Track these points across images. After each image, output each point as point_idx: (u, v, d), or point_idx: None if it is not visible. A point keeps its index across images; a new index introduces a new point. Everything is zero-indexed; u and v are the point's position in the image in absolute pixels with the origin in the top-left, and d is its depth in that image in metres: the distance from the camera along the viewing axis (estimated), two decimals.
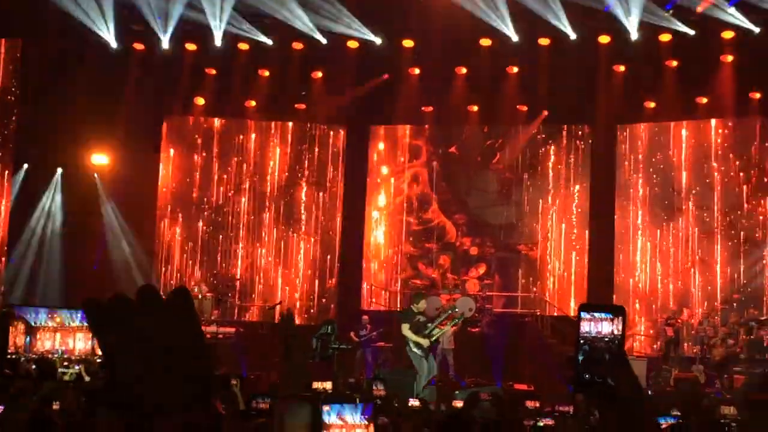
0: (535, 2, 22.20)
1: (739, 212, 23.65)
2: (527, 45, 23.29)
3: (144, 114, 24.67)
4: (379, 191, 26.45)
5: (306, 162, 26.53)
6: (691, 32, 22.20)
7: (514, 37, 23.09)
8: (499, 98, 24.69)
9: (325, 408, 5.24)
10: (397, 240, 26.17)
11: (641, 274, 24.50)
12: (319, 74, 25.17)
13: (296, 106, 25.92)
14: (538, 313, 24.15)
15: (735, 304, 23.06)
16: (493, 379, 20.60)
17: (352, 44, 24.00)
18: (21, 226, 24.24)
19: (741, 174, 23.75)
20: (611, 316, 2.21)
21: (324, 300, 26.13)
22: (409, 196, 26.24)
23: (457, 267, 25.71)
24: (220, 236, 26.24)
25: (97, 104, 23.34)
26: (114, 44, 23.57)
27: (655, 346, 23.47)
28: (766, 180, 23.54)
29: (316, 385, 14.16)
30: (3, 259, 23.31)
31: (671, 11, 22.17)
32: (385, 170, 26.50)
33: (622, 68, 23.77)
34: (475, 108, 25.45)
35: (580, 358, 2.20)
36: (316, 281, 26.28)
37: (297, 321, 21.81)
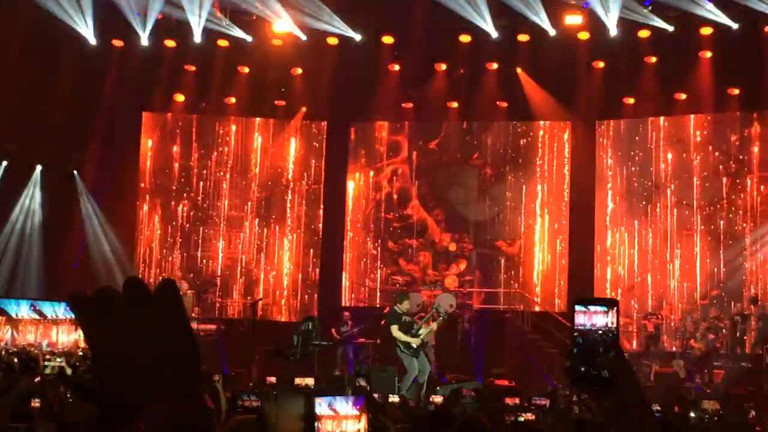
0: None
1: (718, 206, 23.74)
2: (507, 41, 23.36)
3: (123, 111, 24.61)
4: (360, 187, 26.43)
5: (286, 158, 26.50)
6: (670, 28, 22.31)
7: (494, 34, 23.15)
8: (479, 94, 24.76)
9: (317, 400, 5.32)
10: (378, 236, 26.16)
11: (621, 269, 24.56)
12: (299, 71, 25.16)
13: (276, 102, 25.88)
14: (521, 309, 24.20)
15: (715, 300, 23.15)
16: (474, 375, 20.65)
17: (332, 41, 24.00)
18: (1, 223, 24.18)
19: (720, 167, 23.85)
20: (605, 309, 2.23)
21: (306, 296, 26.11)
22: (389, 192, 26.22)
23: (437, 263, 25.73)
24: (201, 232, 26.19)
25: (76, 101, 23.26)
26: (93, 41, 23.49)
27: (634, 342, 23.57)
28: (745, 174, 23.65)
29: (298, 381, 14.17)
30: None
31: (650, 7, 22.27)
32: (365, 166, 26.47)
33: (601, 64, 23.85)
34: (455, 104, 25.48)
35: (575, 351, 2.22)
36: (299, 276, 26.25)
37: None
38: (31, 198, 24.84)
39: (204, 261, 26.16)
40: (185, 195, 26.23)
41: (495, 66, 24.42)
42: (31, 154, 24.46)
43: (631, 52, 23.06)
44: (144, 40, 23.63)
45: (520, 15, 22.53)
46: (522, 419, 10.57)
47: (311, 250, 26.35)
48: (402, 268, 25.85)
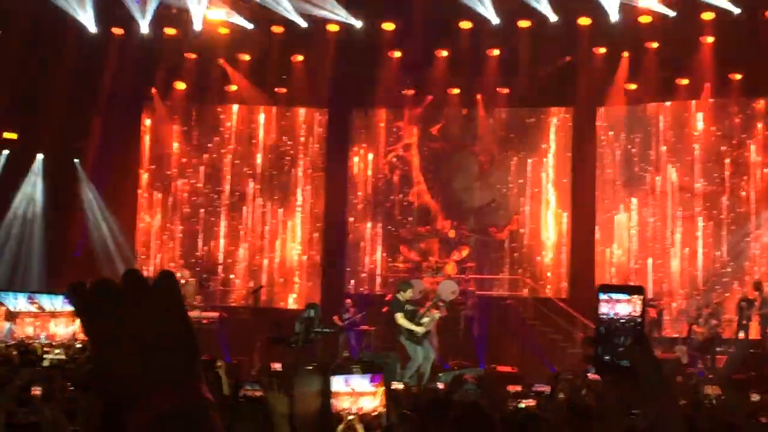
0: None
1: (721, 191, 23.72)
2: (508, 27, 23.32)
3: (123, 99, 24.59)
4: (361, 174, 26.41)
5: (288, 146, 26.48)
6: (672, 14, 22.25)
7: (495, 20, 23.11)
8: (480, 81, 24.73)
9: (334, 378, 5.39)
10: (379, 223, 26.16)
11: (623, 255, 24.55)
12: (300, 58, 25.13)
13: (277, 89, 25.86)
14: (524, 295, 24.23)
15: (717, 285, 23.15)
16: (476, 361, 20.67)
17: (333, 28, 23.98)
18: (2, 212, 24.20)
19: (722, 148, 23.82)
20: (628, 297, 2.21)
21: (308, 283, 26.11)
22: (390, 179, 26.21)
23: (439, 249, 25.71)
24: (202, 220, 26.19)
25: (76, 89, 23.25)
26: (93, 29, 23.46)
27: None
28: (747, 159, 23.63)
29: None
30: None
31: None
32: (366, 153, 26.45)
33: (602, 50, 23.81)
34: (456, 91, 25.45)
35: (598, 339, 2.21)
36: (301, 263, 26.25)
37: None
38: (33, 186, 24.86)
39: (205, 248, 26.17)
40: (186, 182, 26.23)
41: (496, 52, 24.38)
42: (32, 143, 24.47)
43: (632, 38, 23.02)
44: (144, 28, 23.60)
45: (521, 1, 22.48)
46: (523, 405, 10.57)
47: (313, 236, 26.35)
48: (404, 255, 25.84)
